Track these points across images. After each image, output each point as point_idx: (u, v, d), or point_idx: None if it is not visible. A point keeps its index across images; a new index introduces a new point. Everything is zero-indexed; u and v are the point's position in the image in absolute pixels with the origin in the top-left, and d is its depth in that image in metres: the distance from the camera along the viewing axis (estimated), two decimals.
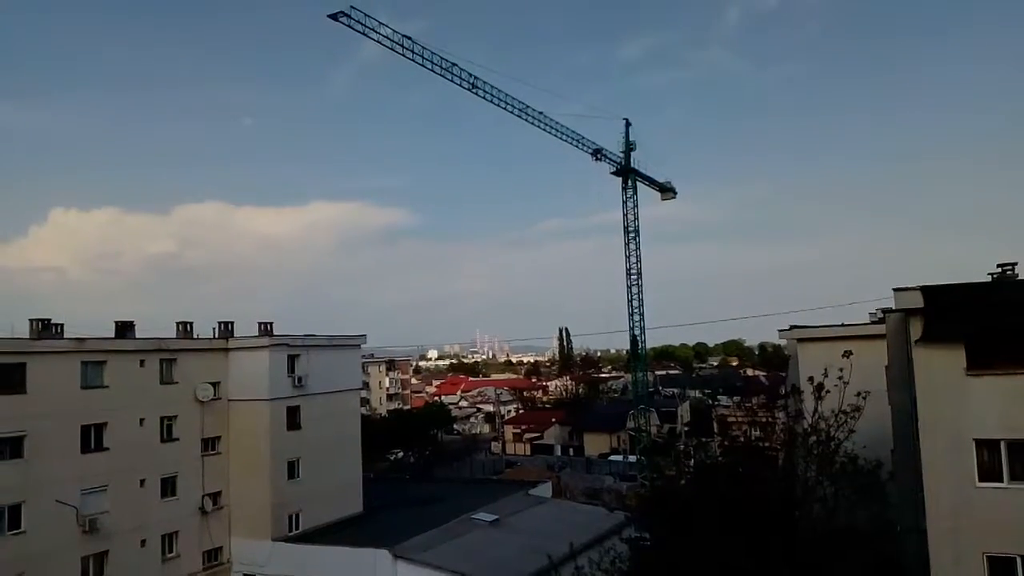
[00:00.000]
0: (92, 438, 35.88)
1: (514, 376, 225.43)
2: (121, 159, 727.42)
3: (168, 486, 39.23)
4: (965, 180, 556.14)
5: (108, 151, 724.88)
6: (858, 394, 20.35)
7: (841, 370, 20.01)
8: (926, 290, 19.30)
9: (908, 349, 20.28)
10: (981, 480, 18.62)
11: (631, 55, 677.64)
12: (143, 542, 37.53)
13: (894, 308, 21.32)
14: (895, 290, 19.99)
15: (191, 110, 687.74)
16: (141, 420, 38.04)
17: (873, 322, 35.26)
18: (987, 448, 18.69)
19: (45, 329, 36.97)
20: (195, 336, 43.51)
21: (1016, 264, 24.64)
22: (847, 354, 20.57)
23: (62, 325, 37.88)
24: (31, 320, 37.04)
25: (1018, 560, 18.23)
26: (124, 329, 40.19)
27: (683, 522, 20.64)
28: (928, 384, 19.27)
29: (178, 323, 43.48)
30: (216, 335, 44.06)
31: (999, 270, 24.77)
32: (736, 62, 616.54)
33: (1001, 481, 18.50)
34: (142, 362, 38.50)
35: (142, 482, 37.82)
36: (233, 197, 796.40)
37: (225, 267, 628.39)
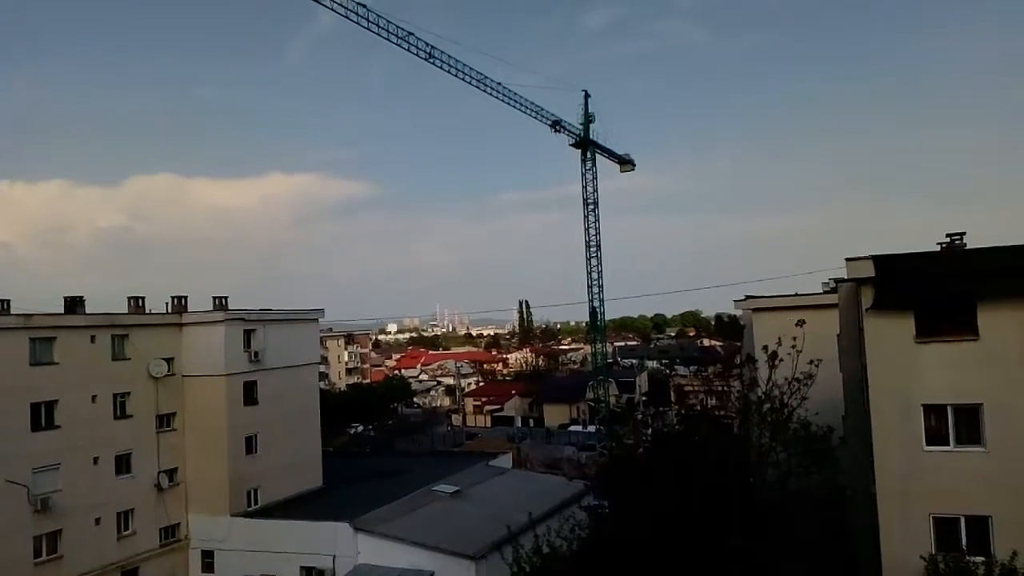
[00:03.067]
0: (43, 416, 35.06)
1: (474, 349, 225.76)
2: (70, 129, 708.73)
3: (122, 463, 38.57)
4: (925, 152, 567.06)
5: (56, 121, 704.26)
6: (811, 362, 20.71)
7: (795, 339, 20.32)
8: (877, 259, 19.69)
9: (859, 318, 20.71)
10: (928, 444, 19.22)
11: (593, 25, 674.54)
12: (97, 520, 36.94)
13: (847, 278, 21.75)
14: (847, 260, 20.35)
15: (143, 79, 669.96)
16: (93, 397, 37.29)
17: (826, 292, 35.96)
18: (935, 413, 19.28)
19: None
20: (148, 311, 42.63)
21: (964, 234, 25.23)
22: (800, 323, 20.87)
23: (9, 301, 37.05)
24: None
25: (962, 520, 18.93)
26: (74, 304, 39.27)
27: (641, 488, 20.94)
28: (878, 352, 19.73)
29: (130, 298, 42.48)
30: (169, 310, 43.19)
31: (948, 240, 25.34)
32: (699, 32, 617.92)
33: (947, 445, 19.13)
34: (93, 338, 37.62)
35: (95, 460, 37.13)
36: (186, 169, 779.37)
37: (178, 241, 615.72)
